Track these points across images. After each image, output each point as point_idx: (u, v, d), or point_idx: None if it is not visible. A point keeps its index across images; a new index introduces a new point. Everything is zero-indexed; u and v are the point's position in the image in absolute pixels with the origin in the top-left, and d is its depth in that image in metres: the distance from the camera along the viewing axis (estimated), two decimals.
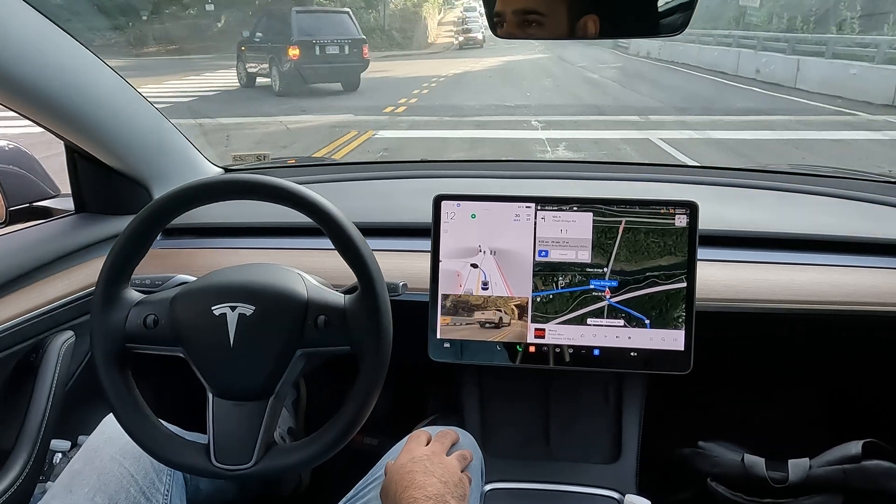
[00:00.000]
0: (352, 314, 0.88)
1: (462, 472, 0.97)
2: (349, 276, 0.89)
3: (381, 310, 0.86)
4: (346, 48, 11.09)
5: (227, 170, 1.60)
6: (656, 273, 1.08)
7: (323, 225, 0.87)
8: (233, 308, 0.86)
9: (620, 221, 1.08)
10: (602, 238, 1.09)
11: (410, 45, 25.04)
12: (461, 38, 25.50)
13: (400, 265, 1.20)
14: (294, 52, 10.72)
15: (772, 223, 1.31)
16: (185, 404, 1.12)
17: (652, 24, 0.97)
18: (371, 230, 1.26)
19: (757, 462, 1.21)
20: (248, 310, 0.86)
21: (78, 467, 0.98)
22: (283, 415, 1.45)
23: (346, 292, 0.95)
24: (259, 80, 12.01)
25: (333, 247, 0.87)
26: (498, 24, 0.98)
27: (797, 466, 1.19)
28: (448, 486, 0.88)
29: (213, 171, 1.55)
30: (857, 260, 1.22)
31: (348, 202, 1.37)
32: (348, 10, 12.52)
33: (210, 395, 0.87)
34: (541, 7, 0.95)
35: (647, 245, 1.08)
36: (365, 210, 1.33)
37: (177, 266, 1.15)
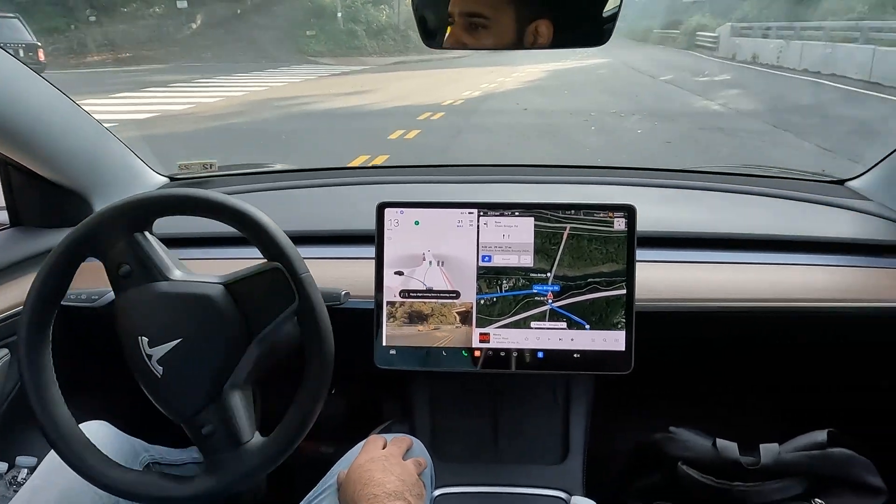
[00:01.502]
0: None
1: (419, 476, 0.98)
2: None
3: (320, 324, 0.87)
4: (21, 52, 11.67)
5: (172, 179, 1.57)
6: (598, 279, 1.10)
7: (252, 236, 0.87)
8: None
9: (565, 227, 1.10)
10: (546, 243, 1.10)
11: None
12: None
13: (345, 273, 1.20)
14: None
15: (712, 224, 1.34)
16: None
17: (596, 33, 0.97)
18: (315, 238, 1.26)
19: (729, 446, 1.23)
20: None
21: (39, 483, 0.96)
22: None
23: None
24: None
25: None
26: (433, 31, 0.98)
27: (768, 451, 1.22)
28: (406, 484, 0.90)
29: (157, 181, 1.53)
30: (792, 258, 1.26)
31: (292, 210, 1.37)
32: (17, 15, 12.80)
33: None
34: (486, 10, 0.92)
35: (590, 252, 1.10)
36: (309, 218, 1.32)
37: None
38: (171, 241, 1.23)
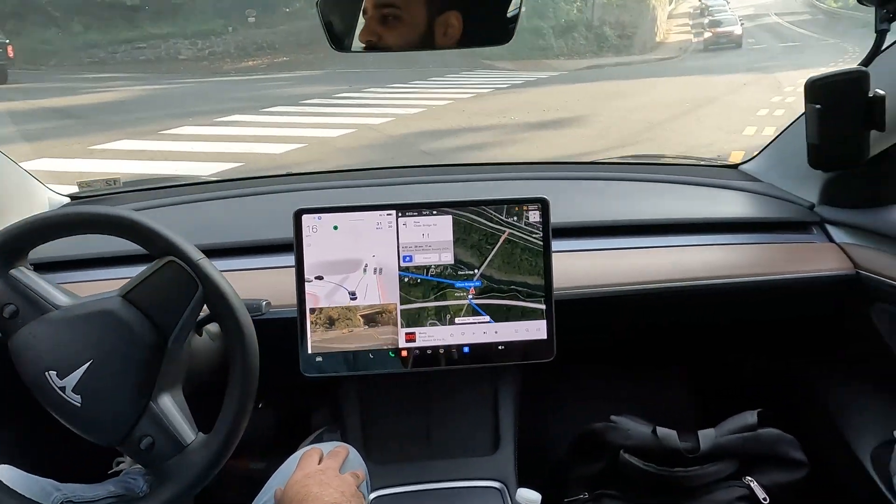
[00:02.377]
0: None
1: (357, 488, 0.97)
2: None
3: (243, 340, 0.86)
4: None
5: (73, 198, 1.50)
6: (520, 289, 1.13)
7: (135, 237, 0.86)
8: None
9: (504, 232, 1.13)
10: (483, 241, 1.13)
11: (631, 46, 18.64)
12: (706, 35, 18.71)
13: (265, 283, 1.18)
14: None
15: (621, 211, 1.40)
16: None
17: (501, 31, 1.00)
18: (233, 250, 1.23)
19: (669, 434, 1.29)
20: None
21: None
22: None
23: (204, 321, 0.93)
24: None
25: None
26: (341, 35, 0.98)
27: (706, 436, 1.28)
28: (346, 496, 0.89)
29: (56, 200, 1.45)
30: (694, 239, 1.34)
31: (206, 223, 1.34)
32: None
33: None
34: (397, 0, 0.93)
35: (520, 261, 1.13)
36: (225, 229, 1.29)
37: None
38: (49, 266, 1.18)
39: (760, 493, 1.25)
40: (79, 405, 0.83)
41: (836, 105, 1.00)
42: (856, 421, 1.32)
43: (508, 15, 0.98)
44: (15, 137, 7.18)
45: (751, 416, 1.31)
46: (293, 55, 15.49)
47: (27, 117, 8.72)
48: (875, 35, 0.97)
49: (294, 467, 0.98)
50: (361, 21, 0.97)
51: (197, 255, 0.86)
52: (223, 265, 1.14)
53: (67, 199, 1.47)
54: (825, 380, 1.43)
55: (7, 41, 12.54)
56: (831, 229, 1.36)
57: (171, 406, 0.87)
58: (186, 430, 0.87)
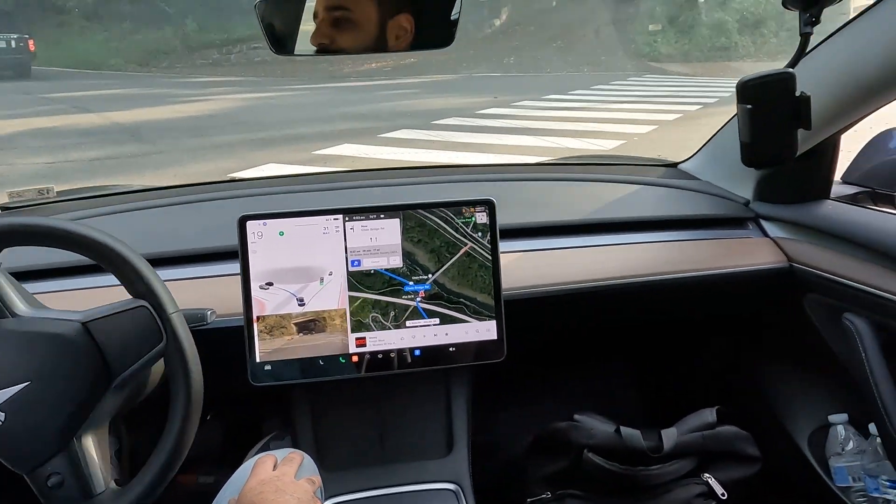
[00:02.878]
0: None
1: (313, 494, 0.96)
2: None
3: (185, 358, 0.84)
4: (13, 43, 13.10)
5: (2, 208, 1.43)
6: (468, 304, 1.14)
7: (114, 270, 0.82)
8: None
9: (466, 244, 1.13)
10: (443, 249, 1.13)
11: None
12: None
13: (211, 291, 1.16)
14: None
15: (567, 212, 1.43)
16: None
17: (446, 34, 1.01)
18: (176, 259, 1.20)
19: (633, 434, 1.31)
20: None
21: None
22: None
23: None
24: None
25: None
26: (283, 38, 0.97)
27: (668, 435, 1.30)
28: (302, 502, 0.88)
29: None
30: (638, 237, 1.37)
31: (148, 231, 1.30)
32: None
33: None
34: (348, 3, 0.92)
35: (475, 276, 1.14)
36: (168, 238, 1.25)
37: None
38: (23, 274, 1.13)
39: (719, 490, 1.29)
40: (1, 422, 0.79)
41: (766, 105, 1.04)
42: (794, 408, 1.38)
43: (452, 18, 0.99)
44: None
45: (710, 414, 1.35)
46: (419, 55, 12.27)
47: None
48: (800, 38, 1.01)
49: (247, 475, 0.96)
50: (310, 24, 0.96)
51: (172, 309, 0.83)
52: (167, 274, 1.11)
53: None
54: (765, 370, 1.49)
55: (27, 35, 13.01)
56: (765, 224, 1.41)
57: (91, 449, 0.83)
58: (100, 479, 0.82)
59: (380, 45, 0.98)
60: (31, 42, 13.07)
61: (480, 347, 1.14)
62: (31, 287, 1.03)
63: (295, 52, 1.00)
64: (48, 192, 1.45)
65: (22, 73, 13.10)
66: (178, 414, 0.83)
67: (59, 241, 0.83)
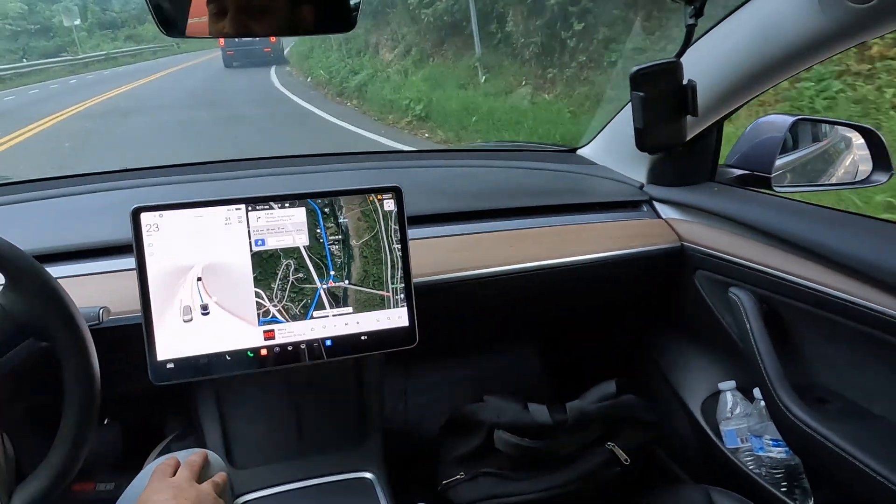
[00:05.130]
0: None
1: (218, 496, 0.93)
2: None
3: (83, 363, 0.80)
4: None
5: None
6: (379, 291, 1.13)
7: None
8: None
9: (374, 231, 1.13)
10: (352, 238, 1.12)
11: None
12: None
13: (105, 288, 1.09)
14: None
15: (471, 198, 1.45)
16: None
17: (350, 19, 1.00)
18: (65, 254, 1.12)
19: (540, 409, 1.34)
20: None
21: None
22: None
23: None
24: None
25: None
26: (172, 18, 0.92)
27: (573, 408, 1.34)
28: None
29: None
30: (542, 221, 1.41)
31: (31, 226, 1.20)
32: None
33: None
34: None
35: (384, 263, 1.13)
36: (55, 232, 1.17)
37: None
38: None
39: (622, 456, 1.36)
40: None
41: (656, 93, 1.10)
42: (688, 378, 1.47)
43: (352, 3, 0.98)
44: None
45: (610, 386, 1.41)
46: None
47: None
48: (685, 29, 1.07)
49: (145, 483, 0.91)
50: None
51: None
52: (58, 271, 1.04)
53: None
54: (662, 343, 1.58)
55: None
56: (658, 206, 1.49)
57: None
58: None
59: (285, 30, 0.96)
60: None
61: (392, 334, 1.14)
62: None
63: (186, 34, 0.95)
64: None
65: None
66: (72, 417, 0.78)
67: None
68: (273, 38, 13.88)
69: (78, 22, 30.01)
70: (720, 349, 1.41)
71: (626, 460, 1.38)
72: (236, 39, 15.18)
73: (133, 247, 1.02)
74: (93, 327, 0.86)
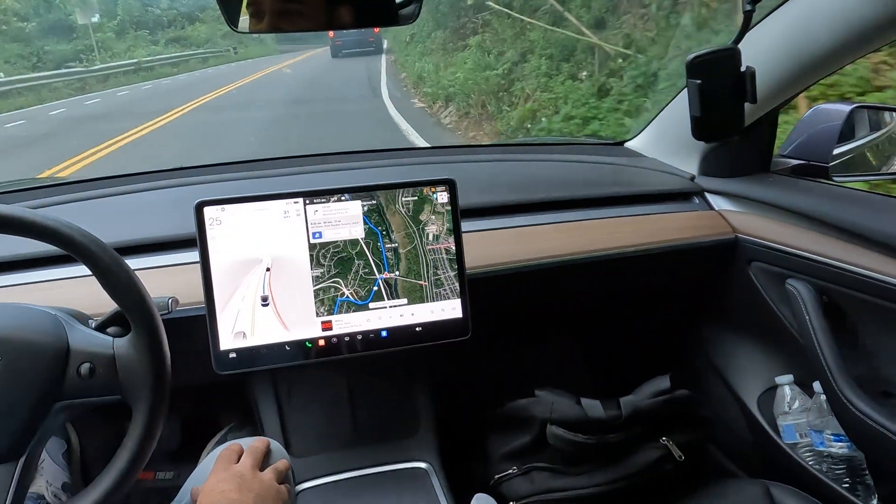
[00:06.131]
0: (123, 360, 0.80)
1: (282, 484, 0.94)
2: (108, 303, 0.81)
3: (158, 351, 0.80)
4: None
5: None
6: (433, 283, 1.14)
7: (79, 255, 0.78)
8: None
9: (428, 224, 1.14)
10: (406, 230, 1.13)
11: None
12: None
13: (171, 281, 1.13)
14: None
15: (524, 190, 1.45)
16: None
17: (392, 13, 1.01)
18: (132, 248, 1.16)
19: (593, 404, 1.32)
20: None
21: None
22: (55, 470, 1.28)
23: (106, 323, 0.86)
24: None
25: (83, 273, 0.79)
26: (236, 14, 0.94)
27: (627, 403, 1.33)
28: (266, 500, 0.86)
29: None
30: (595, 213, 1.41)
31: (99, 222, 1.24)
32: None
33: None
34: None
35: (438, 255, 1.14)
36: (122, 228, 1.21)
37: None
38: None
39: (676, 452, 1.34)
40: None
41: (714, 80, 1.09)
42: (742, 372, 1.45)
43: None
44: None
45: (663, 381, 1.39)
46: None
47: None
48: (743, 15, 1.06)
49: (209, 469, 0.93)
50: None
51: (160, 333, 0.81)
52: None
53: None
54: (715, 337, 1.55)
55: None
56: (711, 198, 1.47)
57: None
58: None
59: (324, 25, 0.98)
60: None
61: (446, 326, 1.15)
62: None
63: (239, 29, 0.97)
64: None
65: None
66: (144, 410, 0.80)
67: (38, 234, 0.78)
68: (377, 29, 15.00)
69: (96, 19, 23.83)
70: (776, 342, 1.38)
71: (679, 457, 1.36)
72: (344, 31, 16.96)
73: (197, 240, 1.05)
74: (162, 316, 0.88)
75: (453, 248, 1.15)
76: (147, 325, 0.80)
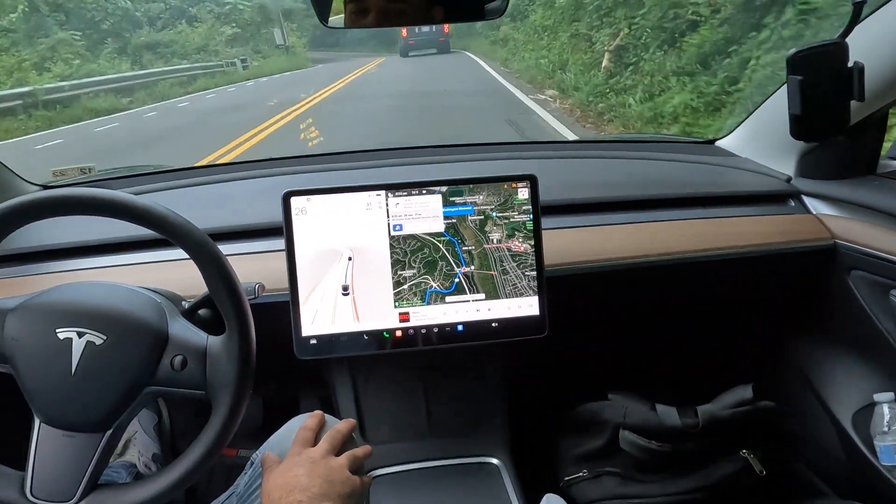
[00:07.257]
0: (213, 358, 0.83)
1: (355, 473, 0.94)
2: (201, 285, 0.85)
3: (245, 354, 0.83)
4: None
5: (45, 187, 1.45)
6: (511, 279, 1.13)
7: (179, 242, 0.83)
8: (80, 334, 0.79)
9: (509, 220, 1.14)
10: (486, 225, 1.13)
11: None
12: None
13: (257, 267, 1.17)
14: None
15: (608, 188, 1.42)
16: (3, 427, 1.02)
17: (479, 9, 1.01)
18: (223, 234, 1.22)
19: (669, 411, 1.30)
20: (98, 338, 0.80)
21: None
22: (146, 441, 1.36)
23: (198, 305, 0.90)
24: None
25: (179, 256, 0.83)
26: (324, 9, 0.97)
27: (704, 412, 1.29)
28: (334, 485, 0.86)
29: (29, 191, 1.40)
30: (681, 214, 1.36)
31: (193, 209, 1.31)
32: None
33: (37, 422, 0.80)
34: None
35: (517, 252, 1.14)
36: (214, 215, 1.27)
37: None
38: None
39: (757, 467, 1.28)
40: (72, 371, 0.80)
41: (817, 76, 1.03)
42: (837, 387, 1.36)
43: None
44: None
45: (745, 391, 1.33)
46: None
47: None
48: (852, 8, 0.99)
49: (288, 443, 0.95)
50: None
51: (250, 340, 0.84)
52: None
53: (40, 188, 1.43)
54: (807, 348, 1.47)
55: None
56: (808, 201, 1.39)
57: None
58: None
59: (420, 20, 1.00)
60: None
61: (522, 323, 1.14)
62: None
63: (329, 24, 1.00)
64: (90, 171, 1.47)
65: None
66: (224, 411, 0.83)
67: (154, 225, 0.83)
68: (447, 28, 15.99)
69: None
70: (876, 356, 1.29)
71: (761, 472, 1.30)
72: (416, 30, 17.76)
73: (283, 228, 1.08)
74: (249, 301, 0.92)
75: (533, 244, 1.14)
76: (239, 327, 0.82)
